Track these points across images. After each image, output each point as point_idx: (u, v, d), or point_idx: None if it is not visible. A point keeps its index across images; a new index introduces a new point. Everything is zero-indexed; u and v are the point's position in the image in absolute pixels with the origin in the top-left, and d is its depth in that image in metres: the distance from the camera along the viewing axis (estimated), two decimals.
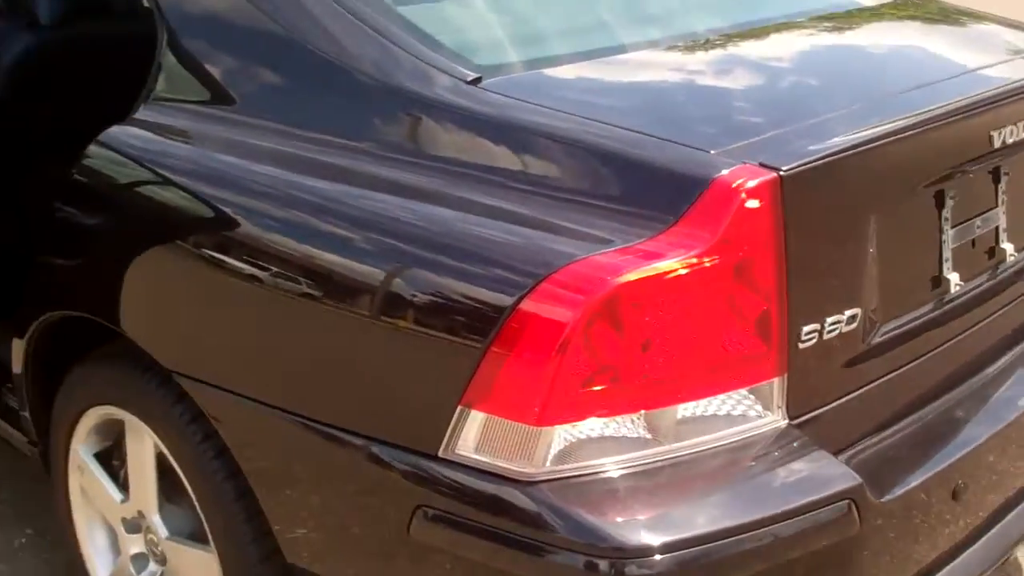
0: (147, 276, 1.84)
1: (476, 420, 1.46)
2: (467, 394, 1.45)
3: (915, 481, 1.63)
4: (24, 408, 2.22)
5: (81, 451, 2.10)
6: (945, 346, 1.81)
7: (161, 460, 1.92)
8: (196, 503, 1.84)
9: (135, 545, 2.06)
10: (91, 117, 2.03)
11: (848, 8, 2.27)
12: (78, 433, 2.09)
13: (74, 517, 2.18)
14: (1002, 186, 1.88)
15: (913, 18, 2.38)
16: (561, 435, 1.44)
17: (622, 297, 1.40)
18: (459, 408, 1.46)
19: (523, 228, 1.48)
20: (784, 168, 1.46)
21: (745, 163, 1.46)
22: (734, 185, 1.43)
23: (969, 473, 1.74)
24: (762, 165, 1.46)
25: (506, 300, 1.42)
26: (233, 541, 1.80)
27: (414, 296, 1.51)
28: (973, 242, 1.85)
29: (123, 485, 2.06)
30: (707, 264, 1.42)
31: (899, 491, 1.60)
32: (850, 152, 1.55)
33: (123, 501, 2.04)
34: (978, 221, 1.85)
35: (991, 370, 1.90)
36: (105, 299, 1.90)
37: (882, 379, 1.69)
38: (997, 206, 1.88)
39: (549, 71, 1.78)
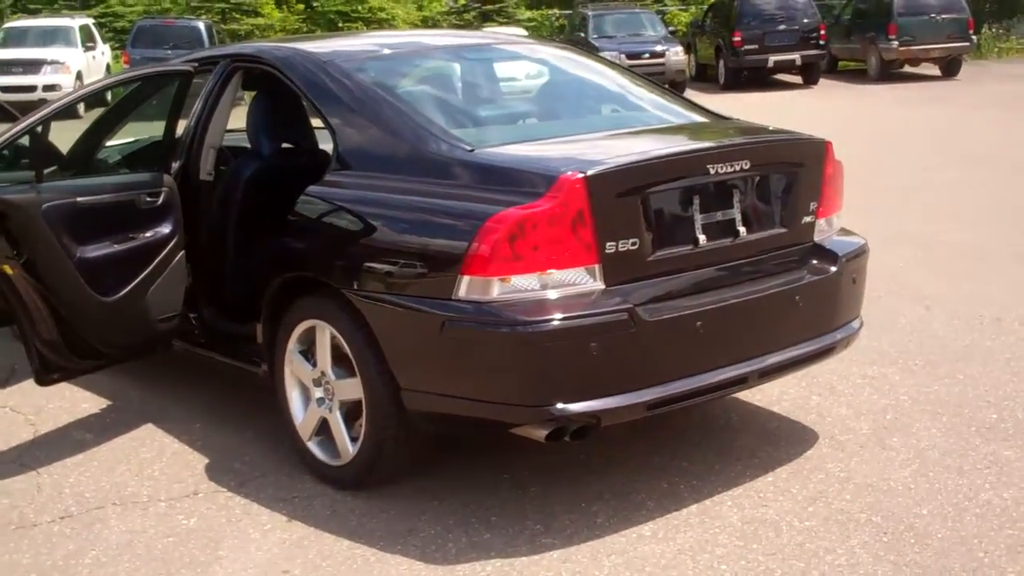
0: (329, 248, 4.00)
1: (466, 280, 3.53)
2: (462, 270, 3.53)
3: (668, 315, 3.64)
4: (262, 349, 4.37)
5: (293, 350, 4.21)
6: (699, 269, 3.83)
7: (332, 342, 4.02)
8: (351, 355, 3.91)
9: (318, 392, 4.14)
10: (292, 200, 4.23)
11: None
12: (291, 341, 4.21)
13: (286, 388, 4.28)
14: (735, 196, 3.91)
15: None
16: (500, 284, 3.51)
17: (522, 223, 3.48)
18: (458, 276, 3.54)
19: (481, 204, 3.59)
20: (590, 172, 3.54)
21: (572, 171, 3.54)
22: (568, 178, 3.51)
23: (705, 322, 3.72)
24: (579, 171, 3.54)
25: (474, 229, 3.51)
26: (368, 371, 3.87)
27: (443, 234, 3.62)
28: (717, 223, 3.87)
29: (313, 363, 4.16)
30: (559, 211, 3.50)
31: (659, 317, 3.61)
32: (621, 167, 3.63)
33: (313, 369, 4.15)
34: (719, 214, 3.88)
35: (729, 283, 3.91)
36: (309, 264, 4.06)
37: (657, 276, 3.71)
38: (732, 207, 3.91)
39: (506, 147, 3.93)
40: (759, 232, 4.00)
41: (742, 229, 3.93)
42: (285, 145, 4.95)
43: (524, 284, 3.53)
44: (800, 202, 4.13)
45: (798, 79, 23.16)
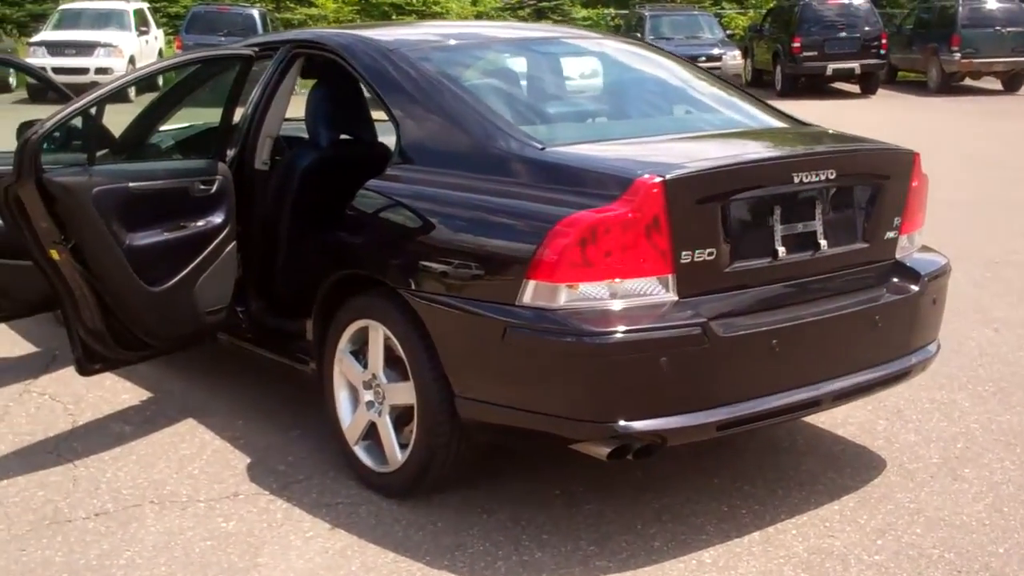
0: (388, 245, 3.82)
1: (531, 285, 3.34)
2: (527, 274, 3.34)
3: (743, 332, 3.43)
4: (310, 346, 4.20)
5: (344, 349, 4.04)
6: (777, 283, 3.62)
7: (386, 343, 3.85)
8: (405, 359, 3.74)
9: (368, 395, 3.97)
10: (349, 193, 4.05)
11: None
12: (342, 340, 4.03)
13: (334, 388, 4.10)
14: (818, 207, 3.69)
15: None
16: (566, 290, 3.32)
17: (595, 228, 3.28)
18: (524, 281, 3.35)
19: (551, 205, 3.40)
20: (668, 176, 3.34)
21: (649, 174, 3.34)
22: (646, 181, 3.31)
23: (781, 340, 3.51)
24: (657, 175, 3.34)
25: (543, 232, 3.32)
26: (422, 376, 3.69)
27: (511, 236, 3.44)
28: (797, 235, 3.66)
29: (364, 364, 3.98)
30: (634, 216, 3.30)
31: (733, 333, 3.40)
32: (702, 172, 3.43)
33: (363, 371, 3.97)
34: (800, 225, 3.67)
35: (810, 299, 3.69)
36: (366, 261, 3.89)
37: (732, 289, 3.51)
38: (814, 219, 3.70)
39: (578, 146, 3.74)
40: (840, 246, 3.78)
41: (823, 242, 3.72)
42: (344, 136, 4.78)
43: (593, 292, 3.33)
44: (884, 216, 3.90)
45: (856, 88, 22.76)
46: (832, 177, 3.68)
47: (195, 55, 4.76)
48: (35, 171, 3.85)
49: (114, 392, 5.01)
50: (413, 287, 3.68)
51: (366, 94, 4.57)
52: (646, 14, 24.04)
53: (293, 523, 3.79)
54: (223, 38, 20.37)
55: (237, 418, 4.71)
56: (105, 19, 22.27)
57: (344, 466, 4.14)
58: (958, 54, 21.37)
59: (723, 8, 30.28)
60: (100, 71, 20.29)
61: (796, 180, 3.60)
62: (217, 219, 4.43)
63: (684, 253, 3.38)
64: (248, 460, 4.31)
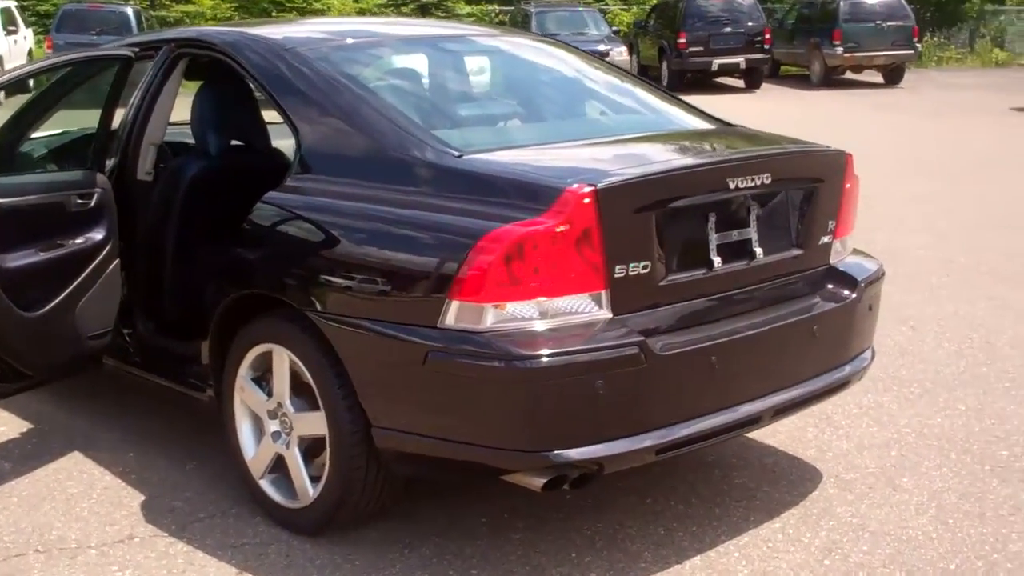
0: (293, 263, 3.50)
1: (454, 305, 3.06)
2: (450, 294, 3.06)
3: (682, 349, 3.20)
4: (207, 372, 3.85)
5: (245, 376, 3.70)
6: (713, 295, 3.40)
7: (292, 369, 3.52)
8: (314, 385, 3.42)
9: (273, 426, 3.64)
10: (241, 204, 3.72)
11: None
12: (243, 366, 3.70)
13: (236, 418, 3.76)
14: (752, 214, 3.48)
15: None
16: (494, 311, 3.04)
17: (521, 243, 3.02)
18: (446, 301, 3.07)
19: (472, 219, 3.12)
20: (600, 185, 3.08)
21: (579, 183, 3.09)
22: (576, 191, 3.06)
23: (719, 356, 3.29)
24: (587, 183, 3.08)
25: (466, 248, 3.05)
26: (334, 405, 3.37)
27: (428, 252, 3.15)
28: (732, 243, 3.44)
29: (267, 391, 3.65)
30: (561, 229, 3.04)
31: (671, 351, 3.17)
32: (635, 180, 3.18)
33: (268, 400, 3.64)
34: (734, 233, 3.45)
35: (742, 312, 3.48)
36: (268, 280, 3.56)
37: (668, 304, 3.27)
38: (749, 226, 3.48)
39: (497, 153, 3.46)
40: (775, 254, 3.58)
41: (758, 250, 3.51)
42: (234, 142, 4.43)
43: (521, 312, 3.07)
44: (818, 221, 3.71)
45: (740, 83, 22.95)
46: (768, 182, 3.47)
47: (69, 56, 4.34)
48: None
49: None
50: (320, 308, 3.37)
51: (258, 97, 4.21)
52: (531, 10, 23.86)
53: (196, 568, 3.45)
54: (96, 37, 19.60)
55: (127, 450, 4.33)
56: None
57: (249, 502, 3.81)
58: (840, 48, 21.69)
59: (607, 5, 30.28)
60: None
61: (732, 186, 3.39)
62: (97, 235, 4.05)
63: (618, 267, 3.14)
64: (142, 498, 3.94)
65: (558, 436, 3.07)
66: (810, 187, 3.69)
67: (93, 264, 4.02)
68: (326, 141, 3.65)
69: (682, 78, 22.27)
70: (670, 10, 23.42)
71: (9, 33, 21.73)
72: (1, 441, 4.45)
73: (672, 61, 22.43)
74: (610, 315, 3.15)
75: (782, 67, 24.44)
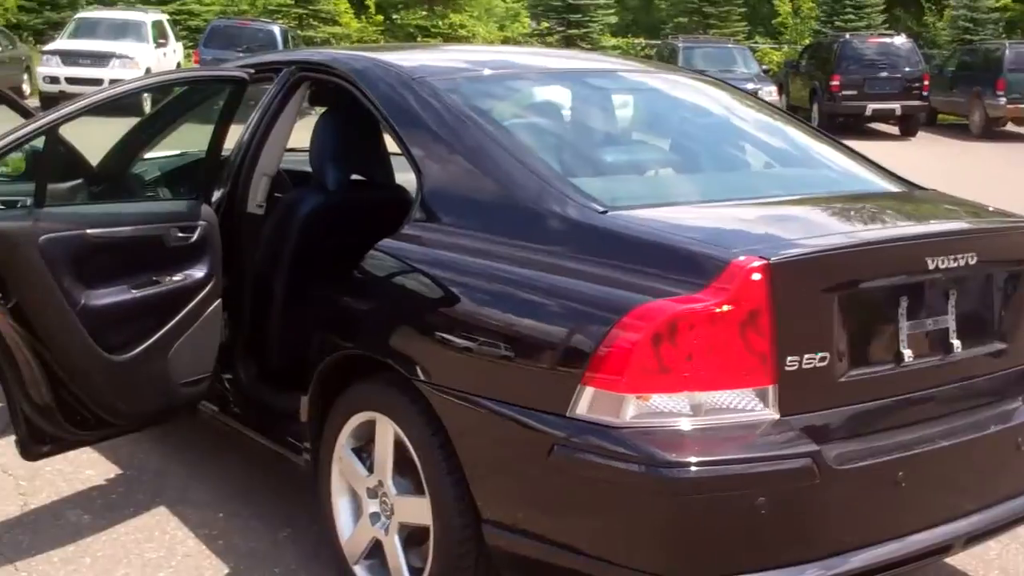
0: (404, 323, 3.04)
1: (588, 392, 2.56)
2: (585, 378, 2.56)
3: (863, 463, 2.63)
4: (306, 431, 3.42)
5: (345, 445, 3.25)
6: (902, 396, 2.82)
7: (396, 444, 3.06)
8: (419, 466, 2.95)
9: (373, 506, 3.18)
10: (358, 246, 3.30)
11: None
12: (343, 434, 3.25)
13: (332, 492, 3.32)
14: (951, 299, 2.90)
15: None
16: (637, 403, 2.53)
17: (674, 323, 2.50)
18: (579, 386, 2.56)
19: (617, 288, 2.62)
20: (773, 259, 2.55)
21: (749, 255, 2.56)
22: (744, 264, 2.53)
23: (908, 472, 2.71)
24: (759, 256, 2.55)
25: (608, 324, 2.54)
26: (441, 492, 2.90)
27: (558, 325, 2.65)
28: (926, 334, 2.87)
29: (369, 466, 3.19)
30: (724, 309, 2.51)
31: (851, 465, 2.60)
32: (816, 254, 2.64)
33: (368, 476, 3.18)
34: (929, 321, 2.87)
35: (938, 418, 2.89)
36: (375, 340, 3.10)
37: (847, 405, 2.71)
38: (947, 313, 2.90)
39: (649, 210, 2.95)
40: (975, 348, 2.98)
41: (956, 343, 2.92)
42: (355, 177, 4.01)
43: (669, 406, 2.55)
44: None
45: (895, 129, 21.94)
46: (972, 262, 2.88)
47: (180, 74, 3.97)
48: None
49: (76, 466, 4.22)
50: (432, 378, 2.90)
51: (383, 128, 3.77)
52: (679, 45, 23.26)
53: None
54: (242, 53, 19.70)
55: (218, 509, 3.92)
56: (123, 30, 21.57)
57: None
58: (1003, 98, 20.53)
59: (756, 42, 29.52)
60: (114, 83, 19.57)
61: (931, 266, 2.81)
62: (198, 273, 3.66)
63: (790, 358, 2.59)
64: (226, 570, 3.52)
65: (704, 562, 2.54)
66: (1018, 269, 3.09)
67: (191, 304, 3.63)
68: (451, 184, 3.19)
69: (833, 121, 21.38)
70: (824, 51, 22.58)
71: (159, 46, 22.03)
72: (85, 487, 4.08)
73: (824, 104, 21.57)
74: (776, 416, 2.60)
75: (939, 115, 23.33)
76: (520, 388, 2.71)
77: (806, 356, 2.61)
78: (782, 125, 4.05)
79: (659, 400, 2.54)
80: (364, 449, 3.23)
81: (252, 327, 3.93)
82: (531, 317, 2.74)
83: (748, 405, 2.58)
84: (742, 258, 2.55)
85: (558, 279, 2.73)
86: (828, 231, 2.91)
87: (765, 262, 2.54)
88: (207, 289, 3.67)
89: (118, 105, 3.61)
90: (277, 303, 3.89)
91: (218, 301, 3.73)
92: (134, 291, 3.50)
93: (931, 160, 17.42)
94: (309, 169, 4.32)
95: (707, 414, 2.56)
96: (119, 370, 3.46)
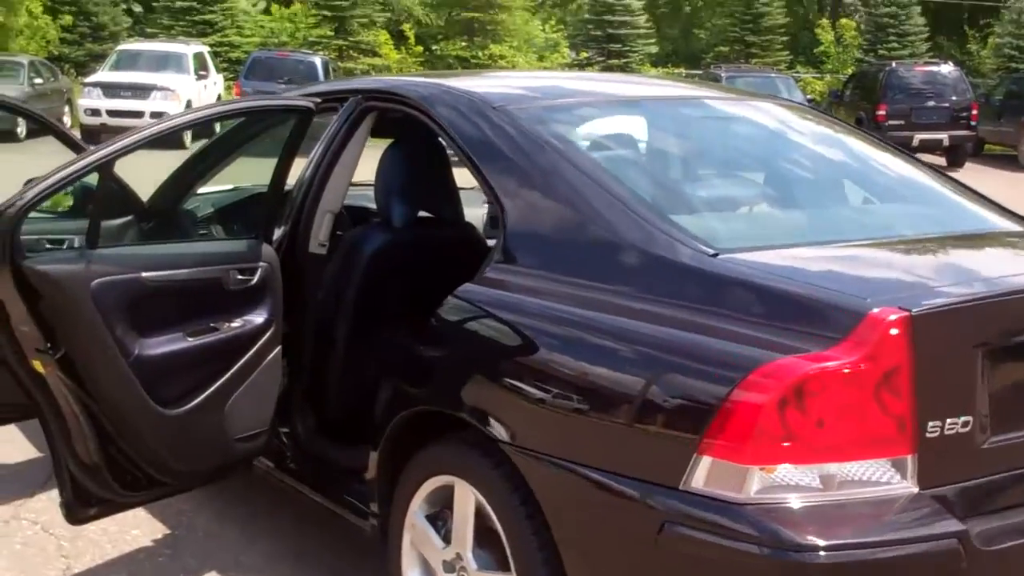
0: (489, 378, 2.76)
1: (704, 463, 2.27)
2: (701, 446, 2.27)
3: (1014, 542, 2.33)
4: (373, 492, 3.14)
5: (418, 512, 2.98)
6: None
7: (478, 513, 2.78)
8: (504, 539, 2.67)
9: None
10: (426, 289, 3.04)
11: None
12: (416, 499, 2.97)
13: (402, 564, 3.04)
14: None
15: None
16: (761, 475, 2.24)
17: (803, 384, 2.21)
18: (694, 455, 2.28)
19: (737, 343, 2.33)
20: (915, 311, 2.26)
21: (885, 305, 2.27)
22: (882, 316, 2.24)
23: None
24: (899, 306, 2.26)
25: (728, 385, 2.26)
26: (531, 570, 2.62)
27: (668, 385, 2.37)
28: None
29: (445, 535, 2.91)
30: (861, 369, 2.22)
31: (1000, 545, 2.30)
32: (963, 304, 2.34)
33: (444, 547, 2.90)
34: None
35: None
36: (455, 397, 2.83)
37: (992, 475, 2.41)
38: None
39: (761, 252, 2.66)
40: None
41: None
42: (422, 213, 3.75)
43: (796, 479, 2.26)
44: None
45: (942, 160, 21.52)
46: None
47: (242, 104, 3.70)
48: (11, 257, 2.85)
49: (122, 525, 3.93)
50: (522, 441, 2.63)
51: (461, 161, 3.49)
52: (722, 75, 22.96)
53: None
54: (283, 85, 19.66)
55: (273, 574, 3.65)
56: (164, 62, 21.56)
57: None
58: None
59: (798, 72, 29.23)
60: (155, 115, 19.52)
61: None
62: (258, 318, 3.41)
63: (931, 423, 2.30)
64: None
65: None
66: None
67: (250, 352, 3.38)
68: (540, 224, 2.91)
69: None
70: (870, 80, 22.24)
71: (200, 78, 22.00)
72: (131, 549, 3.81)
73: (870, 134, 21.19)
74: (915, 489, 2.30)
75: (986, 145, 22.91)
76: (624, 455, 2.43)
77: (948, 420, 2.32)
78: (883, 155, 3.74)
79: (785, 472, 2.25)
80: (440, 516, 2.96)
81: (311, 375, 3.67)
82: (636, 375, 2.46)
83: (884, 477, 2.29)
84: (878, 309, 2.27)
85: (667, 331, 2.44)
86: (967, 277, 2.63)
87: (906, 314, 2.25)
88: (267, 336, 3.42)
89: (171, 138, 3.38)
90: (338, 350, 3.63)
91: (278, 349, 3.48)
92: (190, 339, 3.25)
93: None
94: (366, 204, 4.09)
95: (839, 488, 2.27)
96: (173, 425, 3.21)
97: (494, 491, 2.71)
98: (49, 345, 2.96)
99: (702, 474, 2.28)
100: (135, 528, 3.95)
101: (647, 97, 3.91)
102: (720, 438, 2.26)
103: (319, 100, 3.61)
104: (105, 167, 3.09)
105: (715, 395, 2.28)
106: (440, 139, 3.34)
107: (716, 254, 2.58)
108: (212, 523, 4.02)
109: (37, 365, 2.99)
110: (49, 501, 4.14)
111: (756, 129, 3.75)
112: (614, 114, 3.64)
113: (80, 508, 3.22)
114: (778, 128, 3.79)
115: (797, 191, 3.50)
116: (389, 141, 3.80)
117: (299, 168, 3.72)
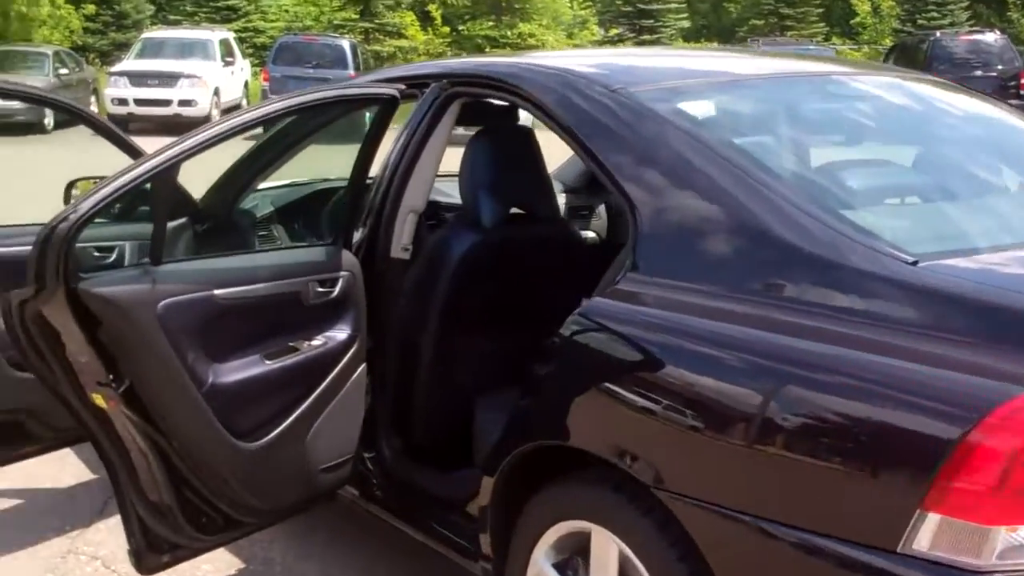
0: (631, 410, 2.32)
1: (932, 522, 1.84)
2: (926, 501, 1.84)
3: None
4: (484, 532, 2.73)
5: (543, 560, 2.56)
6: None
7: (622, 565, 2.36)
8: None
9: None
10: (521, 295, 2.61)
11: None
12: (540, 545, 2.56)
13: None
14: None
15: None
16: (1005, 536, 1.81)
17: None
18: (918, 512, 1.85)
19: (965, 372, 1.89)
20: None
21: None
22: None
23: None
24: None
25: (961, 424, 1.82)
26: None
27: (882, 425, 1.93)
28: None
29: None
30: None
31: None
32: None
33: None
34: None
35: None
36: (587, 431, 2.40)
37: None
38: None
39: (966, 259, 2.22)
40: None
41: None
42: (514, 210, 3.33)
43: None
44: None
45: None
46: None
47: (322, 94, 3.23)
48: (65, 278, 2.44)
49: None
50: (676, 485, 2.21)
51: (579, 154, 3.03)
52: (760, 48, 22.45)
53: None
54: (311, 69, 19.30)
55: None
56: (189, 49, 21.20)
57: None
58: None
59: (834, 44, 28.59)
60: (183, 103, 19.23)
61: None
62: (341, 334, 3.01)
63: None
64: None
65: None
66: None
67: (333, 373, 2.98)
68: (684, 226, 2.46)
69: None
70: (911, 51, 21.64)
71: (226, 64, 21.63)
72: None
73: None
74: None
75: None
76: (818, 510, 2.00)
77: None
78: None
79: None
80: (570, 565, 2.53)
81: (397, 392, 3.26)
82: (831, 410, 2.02)
83: None
84: None
85: (871, 358, 2.00)
86: None
87: None
88: (351, 353, 3.02)
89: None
90: (426, 364, 3.23)
91: (362, 367, 3.08)
92: (268, 362, 2.84)
93: None
94: (436, 199, 3.69)
95: None
96: (252, 460, 2.81)
97: (644, 543, 2.29)
98: (112, 377, 2.56)
99: (928, 535, 1.85)
100: (206, 563, 3.53)
101: (780, 74, 3.40)
102: (953, 491, 1.83)
103: (403, 87, 3.18)
104: (169, 172, 2.67)
105: (945, 438, 1.84)
106: (552, 128, 2.88)
107: (915, 262, 2.13)
108: (290, 557, 3.62)
109: (98, 400, 2.59)
110: (108, 532, 3.77)
111: (912, 108, 3.27)
112: (750, 95, 3.14)
113: (151, 556, 2.83)
114: (935, 106, 3.32)
115: (974, 181, 2.99)
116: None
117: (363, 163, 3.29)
